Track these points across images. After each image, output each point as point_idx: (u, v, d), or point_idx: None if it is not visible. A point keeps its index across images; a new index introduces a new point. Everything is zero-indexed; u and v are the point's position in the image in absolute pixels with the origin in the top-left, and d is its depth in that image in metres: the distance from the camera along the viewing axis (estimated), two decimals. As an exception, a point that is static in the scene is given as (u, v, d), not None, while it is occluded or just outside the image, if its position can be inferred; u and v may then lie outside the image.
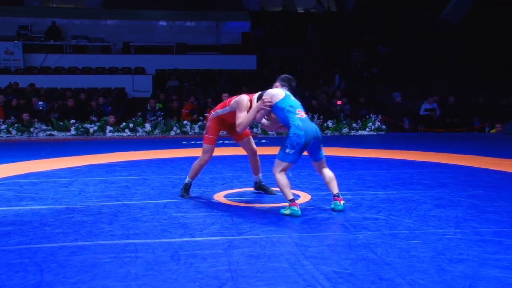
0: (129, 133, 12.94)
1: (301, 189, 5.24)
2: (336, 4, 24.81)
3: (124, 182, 5.84)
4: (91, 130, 12.92)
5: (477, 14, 20.61)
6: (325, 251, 3.20)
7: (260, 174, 5.10)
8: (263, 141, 11.14)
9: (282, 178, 4.19)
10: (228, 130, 5.01)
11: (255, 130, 13.14)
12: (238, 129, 4.56)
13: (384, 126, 13.70)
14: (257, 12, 22.58)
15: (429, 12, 22.55)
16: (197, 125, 13.34)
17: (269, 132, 12.77)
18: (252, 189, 5.26)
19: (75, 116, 13.23)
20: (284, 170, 4.22)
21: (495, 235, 3.54)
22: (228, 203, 4.71)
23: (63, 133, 12.82)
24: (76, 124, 12.91)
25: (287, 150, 4.20)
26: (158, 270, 2.88)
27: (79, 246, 3.34)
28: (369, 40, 20.61)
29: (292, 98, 4.44)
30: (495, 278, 2.73)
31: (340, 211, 4.26)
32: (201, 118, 13.52)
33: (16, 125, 12.85)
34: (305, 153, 4.35)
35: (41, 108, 14.00)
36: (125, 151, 9.22)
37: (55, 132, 12.84)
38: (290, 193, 4.17)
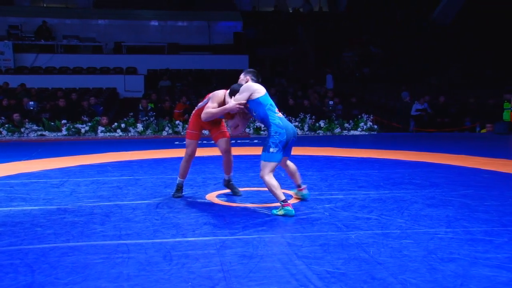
0: (121, 133, 12.88)
1: (293, 189, 5.24)
2: (328, 4, 24.87)
3: (116, 182, 5.82)
4: (83, 131, 12.84)
5: (469, 14, 20.75)
6: (318, 251, 3.21)
7: (231, 174, 5.11)
8: (255, 141, 11.14)
9: (271, 179, 4.19)
10: (209, 126, 5.00)
11: (247, 130, 13.14)
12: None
13: (376, 126, 13.75)
14: (249, 12, 22.60)
15: (421, 13, 22.68)
16: (189, 125, 13.29)
17: (261, 132, 12.77)
18: (245, 189, 5.26)
19: (66, 117, 13.15)
20: (271, 171, 4.22)
21: (486, 234, 3.57)
22: (221, 203, 4.71)
23: (54, 134, 12.73)
24: (68, 125, 12.84)
25: (271, 150, 4.21)
26: (151, 271, 2.87)
27: (70, 247, 3.32)
28: (360, 40, 20.69)
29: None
30: (485, 277, 2.75)
31: (308, 198, 4.62)
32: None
33: (6, 125, 12.74)
34: None
35: (32, 108, 13.90)
36: (117, 151, 9.18)
37: (46, 133, 12.75)
38: (281, 194, 4.17)
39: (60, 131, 12.79)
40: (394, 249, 3.24)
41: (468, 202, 4.62)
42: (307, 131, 13.28)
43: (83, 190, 5.33)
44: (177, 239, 3.50)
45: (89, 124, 12.95)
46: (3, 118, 13.03)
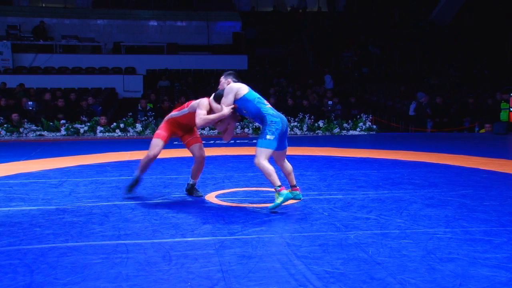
0: (119, 133, 12.87)
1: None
2: (327, 4, 24.87)
3: (115, 182, 5.82)
4: (82, 131, 12.83)
5: (467, 15, 20.78)
6: (317, 251, 3.21)
7: (197, 180, 5.07)
8: (254, 141, 11.13)
9: (267, 165, 4.23)
10: (182, 133, 4.97)
11: (246, 130, 13.14)
12: (198, 123, 4.57)
13: (375, 126, 13.75)
14: (248, 12, 22.60)
15: (420, 13, 22.70)
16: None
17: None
18: (244, 189, 5.26)
19: (65, 116, 13.14)
20: (266, 158, 4.26)
21: (485, 234, 3.57)
22: (220, 203, 4.71)
23: (53, 134, 12.72)
24: (66, 125, 12.83)
25: (268, 137, 4.25)
26: (150, 271, 2.87)
27: (69, 247, 3.32)
28: (359, 40, 20.71)
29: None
30: (484, 277, 2.75)
31: (300, 199, 4.58)
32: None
33: (5, 125, 12.73)
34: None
35: (30, 108, 13.88)
36: (116, 151, 9.17)
37: (45, 133, 12.74)
38: (277, 179, 4.22)
39: (59, 131, 12.78)
40: (393, 249, 3.24)
41: (467, 202, 4.63)
42: (306, 131, 13.28)
43: (82, 190, 5.33)
44: (176, 239, 3.49)
45: (88, 124, 12.94)
46: (1, 118, 13.01)
